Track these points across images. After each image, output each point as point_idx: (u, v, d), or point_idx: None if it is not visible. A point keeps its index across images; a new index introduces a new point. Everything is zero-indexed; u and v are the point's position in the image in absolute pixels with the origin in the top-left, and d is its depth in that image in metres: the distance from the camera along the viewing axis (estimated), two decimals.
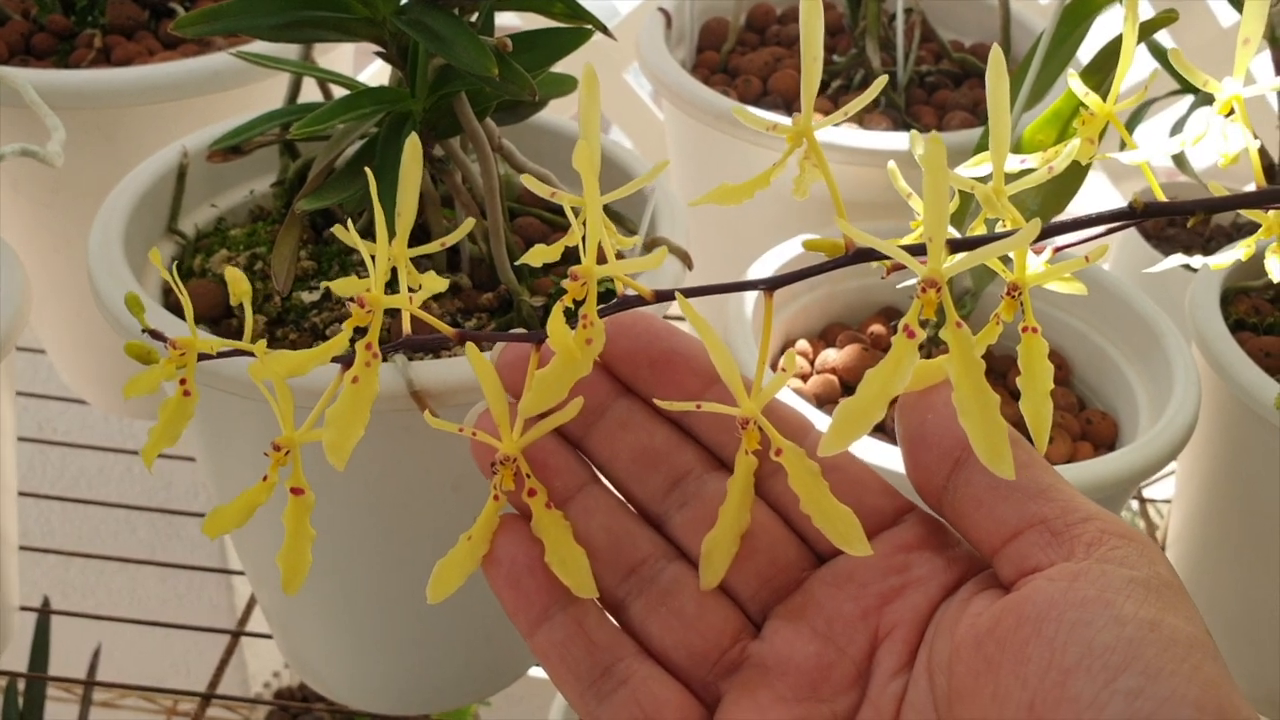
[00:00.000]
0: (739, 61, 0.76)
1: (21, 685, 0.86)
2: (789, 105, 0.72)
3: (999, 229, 0.34)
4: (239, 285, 0.34)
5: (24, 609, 0.83)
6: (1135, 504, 0.82)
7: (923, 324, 0.29)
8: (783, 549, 0.33)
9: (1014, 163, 0.35)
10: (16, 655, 0.86)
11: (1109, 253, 0.95)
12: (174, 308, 0.49)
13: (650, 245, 0.51)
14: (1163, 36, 1.05)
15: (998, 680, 0.27)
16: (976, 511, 0.30)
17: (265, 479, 0.32)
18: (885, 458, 0.47)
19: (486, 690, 0.60)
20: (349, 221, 0.33)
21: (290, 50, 0.55)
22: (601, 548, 0.33)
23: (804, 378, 0.58)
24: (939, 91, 0.73)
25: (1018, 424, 0.33)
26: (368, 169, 0.34)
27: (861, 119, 0.70)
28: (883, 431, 0.55)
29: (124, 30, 0.69)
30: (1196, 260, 0.39)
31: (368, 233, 0.49)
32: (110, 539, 1.29)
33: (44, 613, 0.84)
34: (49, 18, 0.68)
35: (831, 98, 0.73)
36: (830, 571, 0.33)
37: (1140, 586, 0.27)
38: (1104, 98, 0.36)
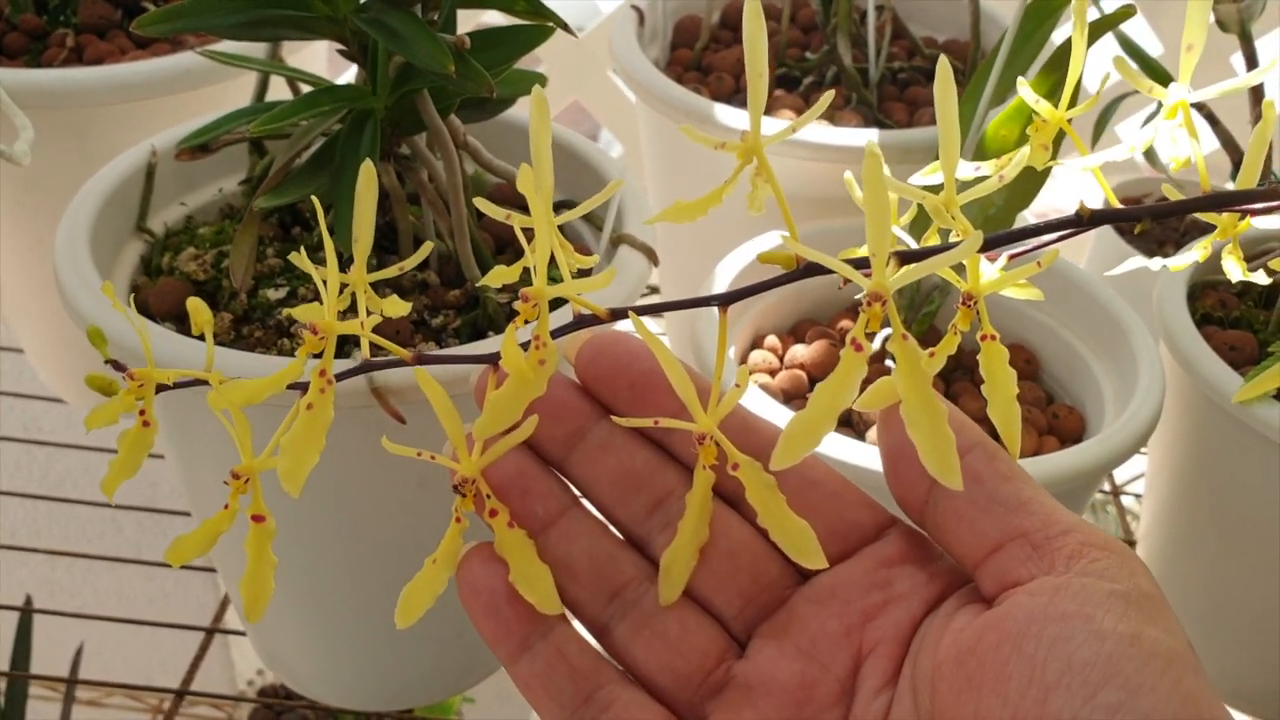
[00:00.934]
0: (712, 59, 0.76)
1: (3, 685, 0.86)
2: None
3: (953, 237, 0.34)
4: (200, 315, 0.34)
5: (5, 608, 0.83)
6: (1112, 499, 0.82)
7: (870, 336, 0.29)
8: (765, 566, 0.33)
9: (969, 170, 0.35)
10: None
11: (1083, 249, 0.94)
12: (142, 305, 0.50)
13: (616, 242, 0.51)
14: (1148, 33, 1.05)
15: (980, 698, 0.27)
16: (958, 525, 0.30)
17: (227, 507, 0.32)
18: (860, 456, 0.48)
19: (460, 685, 0.60)
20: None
21: (260, 49, 0.56)
22: (584, 571, 0.33)
23: (772, 373, 0.58)
24: (911, 88, 0.73)
25: (985, 422, 0.33)
26: (314, 198, 0.34)
27: (832, 116, 0.70)
28: (849, 426, 0.55)
29: (96, 29, 0.69)
30: (1155, 262, 0.39)
31: (333, 230, 0.49)
32: (96, 538, 1.28)
33: (25, 611, 0.85)
34: (21, 17, 0.68)
35: (803, 95, 0.73)
36: (813, 588, 0.33)
37: (1120, 600, 0.27)
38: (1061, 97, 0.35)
